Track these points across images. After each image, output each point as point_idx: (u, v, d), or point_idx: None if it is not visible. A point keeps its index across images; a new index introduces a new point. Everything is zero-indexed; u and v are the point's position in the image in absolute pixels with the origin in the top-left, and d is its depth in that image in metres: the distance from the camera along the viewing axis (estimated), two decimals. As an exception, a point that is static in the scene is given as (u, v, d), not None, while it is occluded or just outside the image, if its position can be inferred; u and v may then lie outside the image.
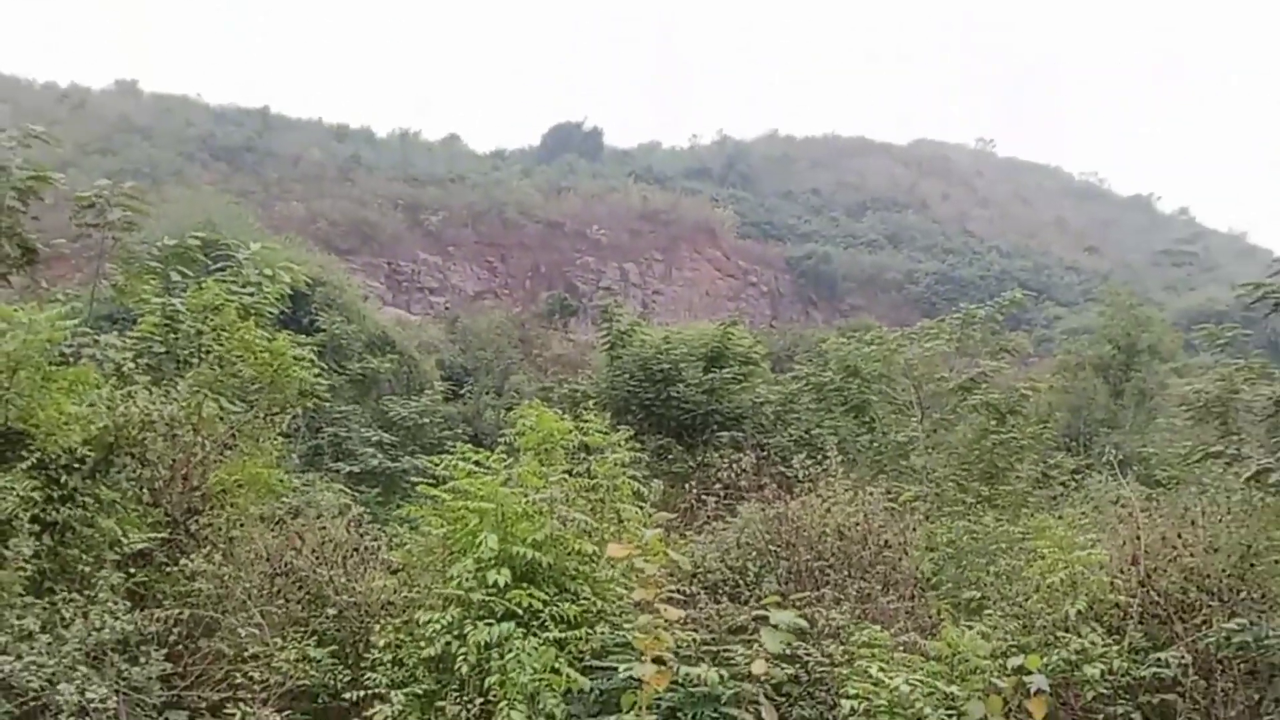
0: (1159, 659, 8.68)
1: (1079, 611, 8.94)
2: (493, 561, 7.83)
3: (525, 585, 7.80)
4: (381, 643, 8.32)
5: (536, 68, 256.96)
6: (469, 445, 10.01)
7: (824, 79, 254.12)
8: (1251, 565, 9.54)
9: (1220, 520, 10.09)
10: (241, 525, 9.97)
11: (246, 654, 8.42)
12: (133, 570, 8.73)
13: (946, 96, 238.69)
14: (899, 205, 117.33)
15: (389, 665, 8.20)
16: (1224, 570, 9.43)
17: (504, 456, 9.25)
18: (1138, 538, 9.87)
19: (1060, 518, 12.31)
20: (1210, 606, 9.16)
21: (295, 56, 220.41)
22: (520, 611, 7.66)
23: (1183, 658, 8.64)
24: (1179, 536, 9.92)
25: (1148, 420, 27.05)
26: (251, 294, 13.59)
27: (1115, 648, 8.73)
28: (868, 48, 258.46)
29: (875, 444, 19.72)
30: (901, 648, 8.35)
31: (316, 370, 13.15)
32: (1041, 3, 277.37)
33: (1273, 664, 8.60)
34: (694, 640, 7.65)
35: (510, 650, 7.21)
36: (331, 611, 9.20)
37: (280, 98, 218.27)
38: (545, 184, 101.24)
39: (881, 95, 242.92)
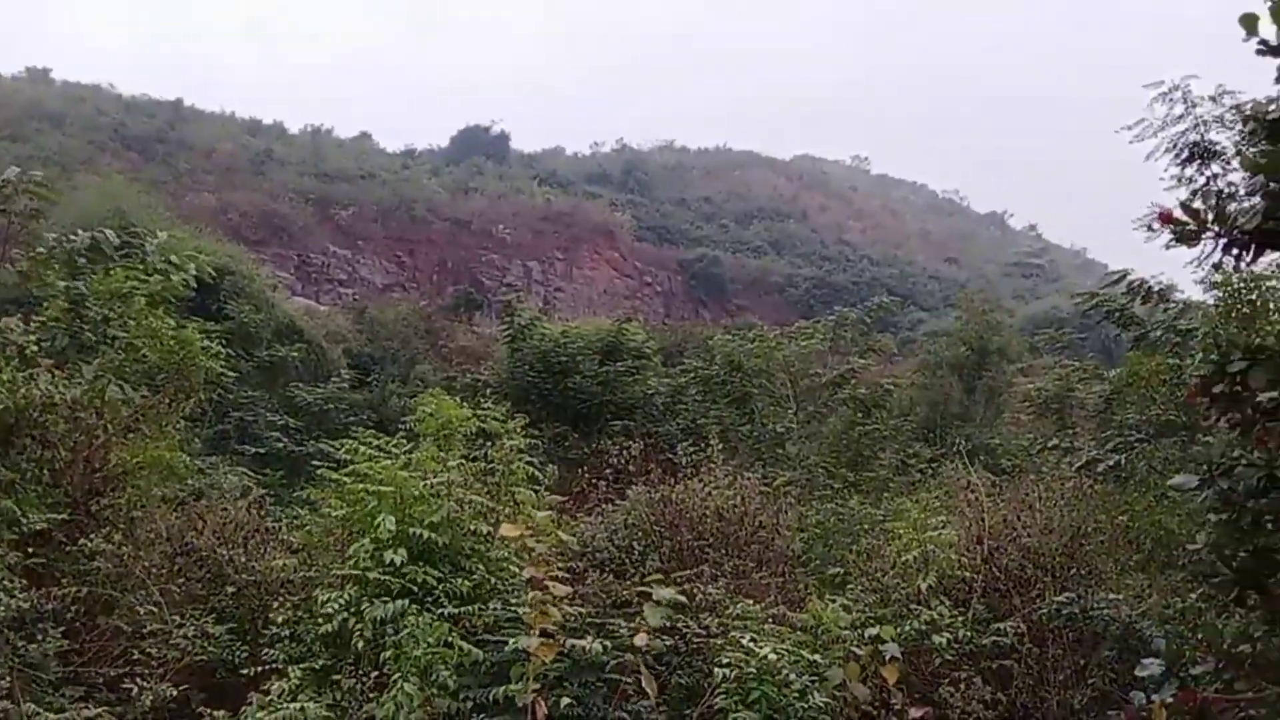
0: (999, 629, 9.06)
1: (929, 586, 9.27)
2: (390, 542, 7.69)
3: (421, 564, 7.68)
4: (280, 619, 8.11)
5: (447, 72, 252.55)
6: (373, 431, 9.81)
7: (717, 94, 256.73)
8: (1081, 545, 10.03)
9: (1055, 505, 10.58)
10: (143, 506, 9.58)
11: (145, 631, 8.10)
12: (31, 549, 8.30)
13: (826, 116, 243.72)
14: (782, 215, 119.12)
15: (287, 641, 8.00)
16: (1057, 549, 9.88)
17: (404, 442, 9.08)
18: (982, 520, 10.28)
19: (916, 502, 12.73)
20: (1044, 582, 9.59)
21: (208, 51, 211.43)
22: (415, 589, 7.54)
23: (1019, 627, 9.03)
24: (1018, 519, 10.36)
25: (996, 415, 28.07)
26: (159, 283, 13.00)
27: (961, 619, 9.09)
28: (757, 68, 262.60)
29: (754, 433, 20.03)
30: (771, 620, 8.51)
31: (223, 358, 12.66)
32: (908, 44, 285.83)
33: (1096, 633, 9.06)
34: (581, 614, 7.65)
35: (405, 625, 7.09)
36: (231, 590, 8.91)
37: (193, 91, 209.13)
38: (453, 184, 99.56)
39: (768, 112, 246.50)
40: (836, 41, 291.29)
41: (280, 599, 8.45)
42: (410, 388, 32.58)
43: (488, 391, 17.85)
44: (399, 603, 7.26)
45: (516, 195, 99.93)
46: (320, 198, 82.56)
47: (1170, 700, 5.25)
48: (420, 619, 7.10)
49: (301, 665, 7.59)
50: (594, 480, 12.44)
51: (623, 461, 12.63)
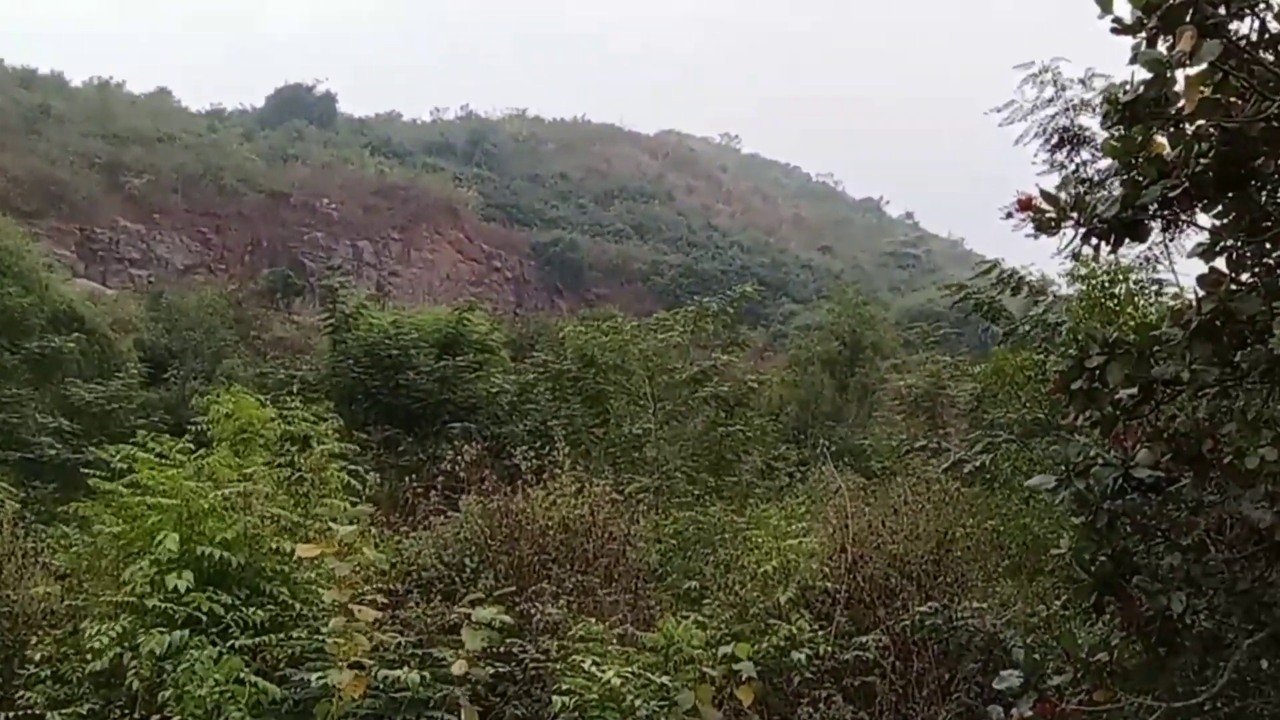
0: (861, 643, 9.34)
1: (790, 599, 9.49)
2: (173, 563, 7.32)
3: (211, 589, 7.34)
4: (38, 657, 7.59)
5: (264, 19, 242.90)
6: (168, 435, 9.35)
7: (576, 60, 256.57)
8: (948, 551, 10.47)
9: (922, 509, 11.02)
10: None
11: None
12: None
13: (693, 91, 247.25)
14: (646, 195, 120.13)
15: (48, 682, 7.50)
16: (923, 557, 10.29)
17: (192, 447, 8.66)
18: (847, 526, 10.60)
19: (781, 508, 13.05)
20: (909, 591, 9.97)
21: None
22: (203, 618, 7.21)
23: (882, 641, 9.34)
24: (884, 525, 10.75)
25: (868, 414, 29.22)
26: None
27: (822, 633, 9.34)
28: (619, 33, 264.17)
29: (609, 435, 20.10)
30: (618, 640, 8.53)
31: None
32: (780, 11, 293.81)
33: (961, 644, 9.47)
34: (400, 642, 7.48)
35: (187, 660, 6.76)
36: (-21, 624, 8.32)
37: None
38: (270, 150, 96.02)
39: (630, 82, 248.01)
40: (706, 7, 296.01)
41: (40, 633, 7.92)
42: (215, 385, 31.32)
43: (297, 389, 17.25)
44: (180, 634, 6.91)
45: (345, 165, 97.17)
46: (109, 163, 78.14)
47: (1029, 714, 5.53)
48: (205, 652, 6.79)
49: (65, 710, 7.16)
50: (424, 489, 12.19)
51: (457, 468, 12.42)
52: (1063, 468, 5.60)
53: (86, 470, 9.23)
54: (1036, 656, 6.54)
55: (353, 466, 10.76)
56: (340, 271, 61.17)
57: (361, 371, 22.89)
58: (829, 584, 9.93)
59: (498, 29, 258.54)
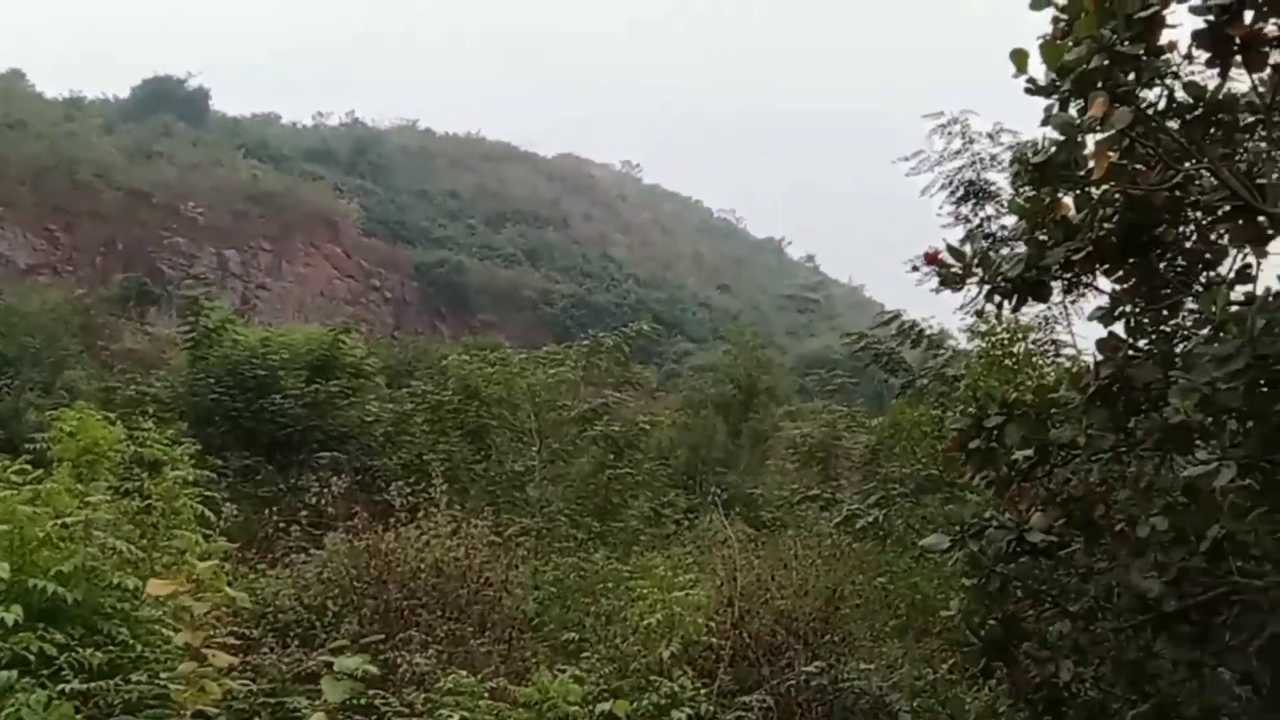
0: (744, 702, 9.45)
1: (673, 654, 9.54)
2: (2, 596, 6.97)
3: (42, 625, 7.00)
4: None
5: (134, 11, 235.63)
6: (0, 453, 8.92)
7: (472, 76, 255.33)
8: (836, 609, 10.69)
9: (812, 563, 11.23)
10: None
11: None
12: None
13: (595, 117, 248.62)
14: (540, 220, 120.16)
15: None
16: (811, 613, 10.48)
17: (29, 468, 8.30)
18: (735, 579, 10.73)
19: (668, 557, 13.13)
20: (796, 649, 10.14)
21: None
22: (31, 657, 6.87)
23: (765, 701, 9.46)
24: (773, 579, 10.91)
25: (760, 461, 29.57)
26: None
27: (705, 691, 9.40)
28: (514, 50, 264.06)
29: (490, 472, 19.94)
30: (489, 695, 8.45)
31: None
32: (690, 47, 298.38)
33: (846, 708, 9.65)
34: (251, 690, 7.27)
35: (12, 705, 6.42)
36: None
37: None
38: (132, 145, 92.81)
39: (530, 103, 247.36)
40: (614, 33, 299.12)
41: None
42: (54, 399, 30.02)
43: (153, 408, 16.69)
44: (6, 674, 6.57)
45: (215, 167, 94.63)
46: (-53, 149, 74.67)
47: (913, 780, 5.67)
48: (34, 696, 6.46)
49: None
50: (285, 524, 11.92)
51: (323, 501, 12.19)
52: (957, 528, 5.79)
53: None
54: (922, 721, 6.72)
55: (207, 494, 10.45)
56: (203, 281, 59.54)
57: (222, 392, 22.20)
58: (714, 639, 10.01)
59: (391, 37, 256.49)
